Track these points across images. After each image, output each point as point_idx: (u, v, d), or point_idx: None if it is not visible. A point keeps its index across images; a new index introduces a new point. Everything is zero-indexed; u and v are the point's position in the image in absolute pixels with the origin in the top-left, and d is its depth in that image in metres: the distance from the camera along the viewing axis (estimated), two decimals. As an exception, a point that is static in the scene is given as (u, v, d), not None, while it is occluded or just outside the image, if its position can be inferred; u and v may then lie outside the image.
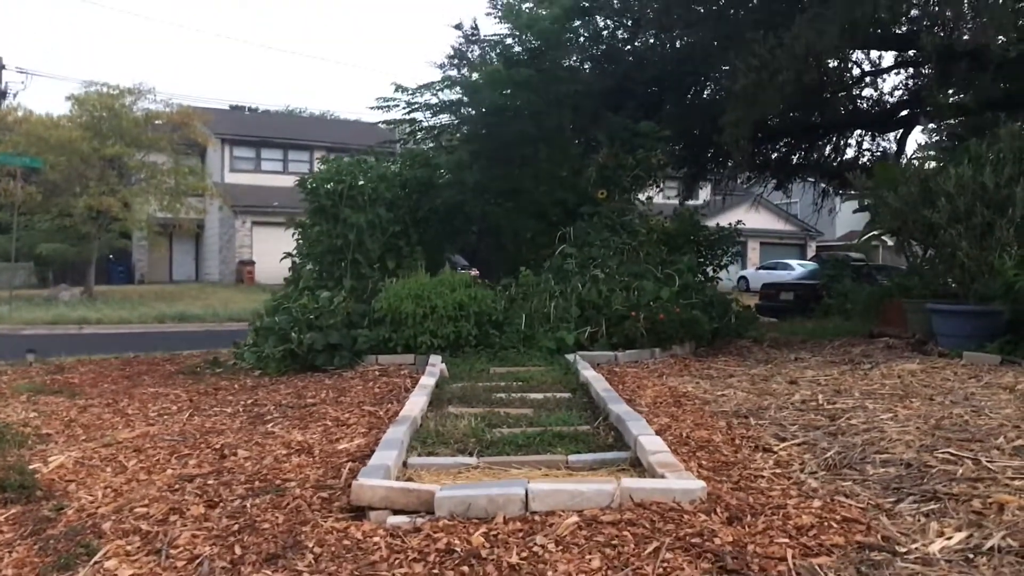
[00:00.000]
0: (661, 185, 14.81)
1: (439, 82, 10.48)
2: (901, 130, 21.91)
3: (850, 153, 22.50)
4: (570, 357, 7.50)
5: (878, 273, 20.45)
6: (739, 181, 22.73)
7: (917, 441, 4.20)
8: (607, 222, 10.18)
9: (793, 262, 40.90)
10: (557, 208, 10.64)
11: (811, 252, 49.63)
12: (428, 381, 6.27)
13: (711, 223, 13.43)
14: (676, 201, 18.75)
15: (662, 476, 3.47)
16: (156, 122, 28.31)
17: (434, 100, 10.56)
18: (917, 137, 22.85)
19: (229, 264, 35.53)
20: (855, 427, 4.67)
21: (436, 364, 7.13)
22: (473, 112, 9.70)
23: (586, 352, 7.79)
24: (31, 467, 4.58)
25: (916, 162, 8.24)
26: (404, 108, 10.93)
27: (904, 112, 20.47)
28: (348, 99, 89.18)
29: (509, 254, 10.72)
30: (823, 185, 25.58)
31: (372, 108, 13.91)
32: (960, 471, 3.62)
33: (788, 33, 8.80)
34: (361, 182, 8.61)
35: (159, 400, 6.69)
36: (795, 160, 21.23)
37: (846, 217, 35.07)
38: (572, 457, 4.13)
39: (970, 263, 7.37)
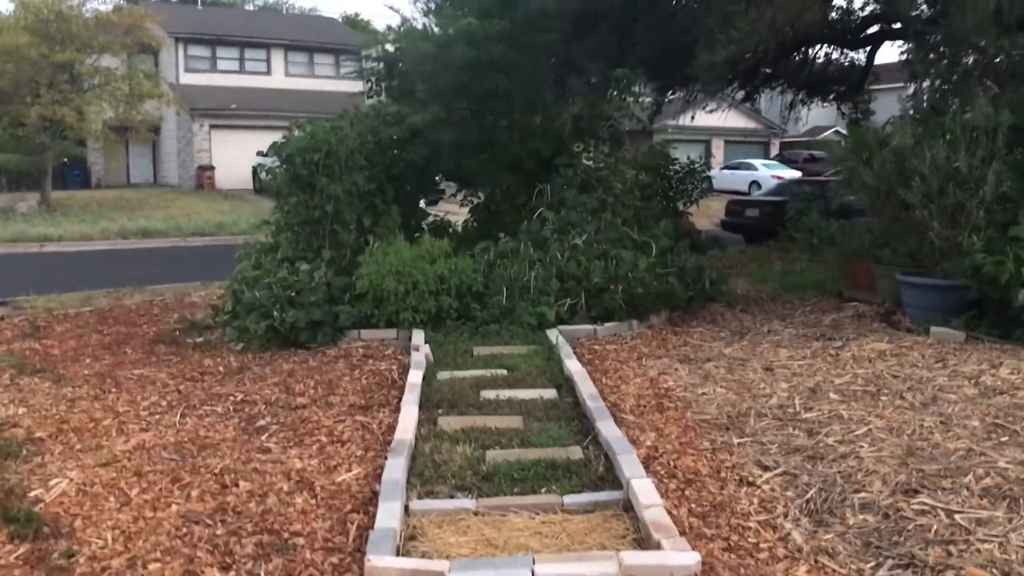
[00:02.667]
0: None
1: (408, 33, 10.25)
2: (870, 46, 21.93)
3: (819, 66, 22.45)
4: (551, 334, 7.65)
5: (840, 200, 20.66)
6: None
7: (892, 476, 4.44)
8: (583, 176, 10.19)
9: (756, 162, 41.09)
10: (532, 159, 10.61)
11: (775, 150, 49.87)
12: (416, 376, 6.39)
13: (676, 122, 13.40)
14: (644, 116, 18.70)
15: (658, 545, 3.66)
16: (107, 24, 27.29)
17: (406, 49, 10.33)
18: (887, 52, 22.85)
19: (188, 169, 34.93)
20: (832, 449, 4.90)
21: (420, 347, 7.24)
22: (446, 67, 9.50)
23: (566, 327, 7.93)
24: (33, 493, 4.69)
25: (890, 131, 8.29)
26: (374, 58, 10.72)
27: (874, 28, 20.43)
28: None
29: (486, 205, 10.74)
30: (791, 95, 25.57)
31: (345, 73, 13.60)
32: (935, 527, 3.86)
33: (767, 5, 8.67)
34: (337, 149, 8.48)
35: (147, 390, 6.75)
36: (763, 72, 21.14)
37: (807, 114, 35.13)
38: (567, 499, 4.32)
39: (940, 242, 7.56)
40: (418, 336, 7.65)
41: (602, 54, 14.76)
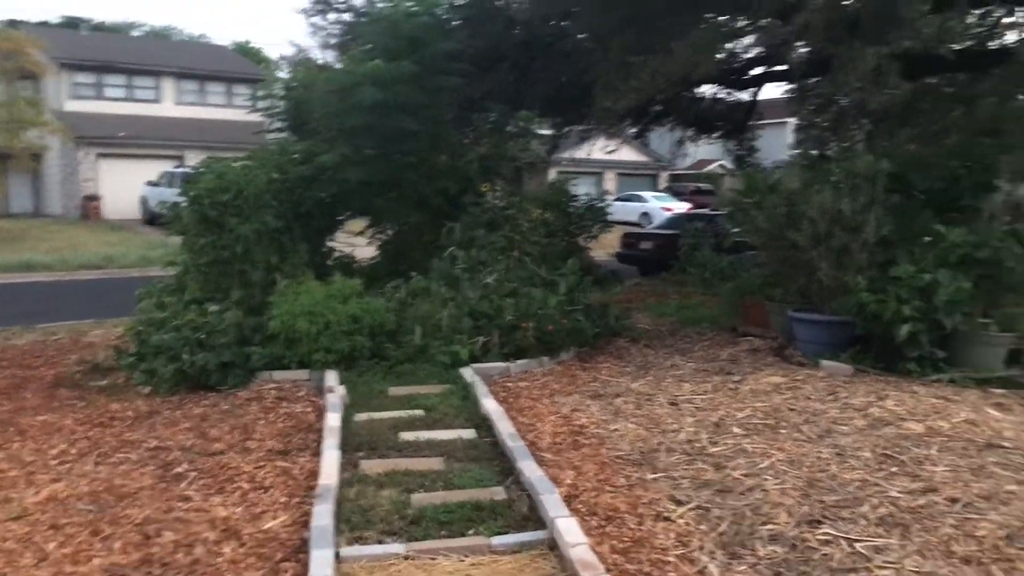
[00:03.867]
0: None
1: (314, 74, 10.35)
2: (754, 87, 23.09)
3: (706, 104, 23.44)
4: (466, 373, 7.80)
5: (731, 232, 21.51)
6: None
7: (797, 507, 4.76)
8: (490, 215, 10.43)
9: (647, 194, 42.33)
10: (439, 197, 10.80)
11: (663, 182, 51.47)
12: (334, 419, 6.44)
13: (571, 155, 13.74)
14: (542, 151, 19.16)
15: (586, 585, 3.85)
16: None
17: (312, 89, 10.41)
18: (769, 90, 24.12)
19: (73, 198, 33.69)
20: (740, 482, 5.21)
21: (335, 388, 7.28)
22: (352, 108, 9.62)
23: (480, 365, 8.09)
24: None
25: (782, 177, 8.82)
26: (279, 96, 10.77)
27: (759, 70, 21.53)
28: (193, 10, 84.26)
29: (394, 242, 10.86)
30: (681, 133, 26.59)
31: (249, 108, 13.61)
32: (838, 555, 4.18)
33: (667, 58, 9.12)
34: (246, 189, 8.48)
35: (54, 437, 6.58)
36: (654, 110, 21.93)
37: (695, 148, 36.44)
38: (495, 541, 4.47)
39: (828, 281, 8.07)
40: (332, 377, 7.68)
41: (502, 93, 15.15)
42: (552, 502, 4.74)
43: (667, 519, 4.75)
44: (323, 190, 9.70)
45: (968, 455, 5.69)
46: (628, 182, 48.70)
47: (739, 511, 4.78)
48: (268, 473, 5.60)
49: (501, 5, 16.19)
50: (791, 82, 23.61)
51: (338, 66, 12.54)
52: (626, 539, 4.50)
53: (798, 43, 8.11)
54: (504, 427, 6.21)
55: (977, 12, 8.31)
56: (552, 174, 27.16)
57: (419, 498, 5.04)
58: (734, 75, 21.63)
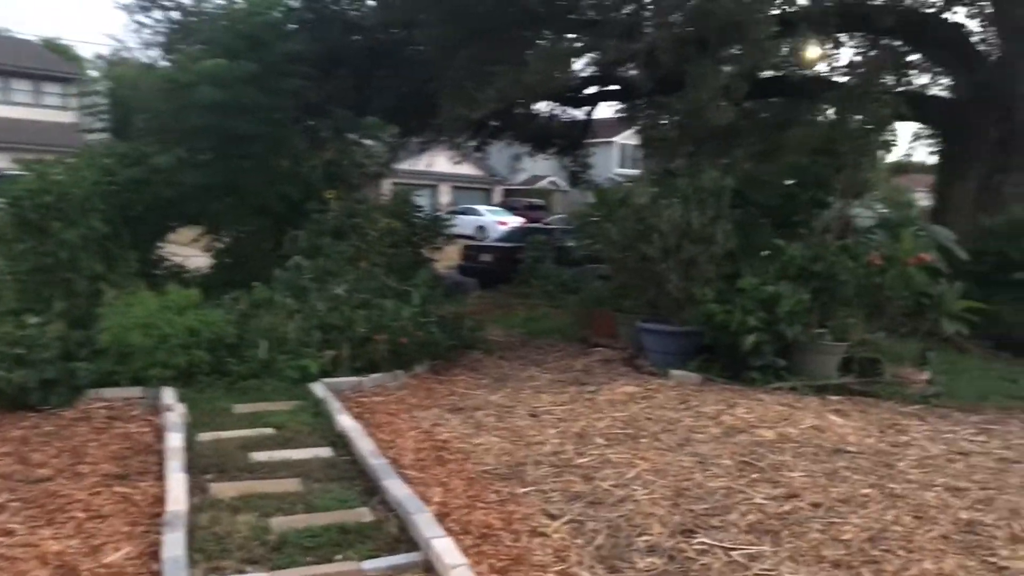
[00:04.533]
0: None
1: (146, 71, 9.68)
2: (589, 105, 23.75)
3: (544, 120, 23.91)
4: (316, 388, 7.43)
5: (570, 242, 21.94)
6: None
7: (669, 517, 4.75)
8: (336, 223, 10.07)
9: (482, 208, 42.63)
10: (281, 204, 10.33)
11: (497, 197, 52.04)
12: (176, 439, 5.93)
13: (406, 166, 13.56)
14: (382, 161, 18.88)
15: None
16: None
17: (142, 87, 9.74)
18: (603, 109, 24.96)
19: None
20: (610, 493, 5.16)
21: (174, 406, 6.74)
22: (189, 108, 9.06)
23: (330, 379, 7.74)
24: None
25: (631, 191, 8.97)
26: (101, 93, 9.99)
27: (593, 89, 22.19)
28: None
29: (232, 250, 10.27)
30: (518, 148, 26.96)
31: (70, 109, 12.58)
32: (716, 565, 4.18)
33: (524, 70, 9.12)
34: (72, 191, 7.77)
35: None
36: (492, 125, 22.11)
37: (528, 163, 37.03)
38: (366, 565, 4.21)
39: (678, 293, 8.26)
40: (169, 394, 7.12)
41: (343, 99, 14.80)
42: (425, 522, 4.52)
43: (543, 534, 4.63)
44: (157, 194, 9.05)
45: (820, 460, 5.91)
46: (462, 195, 48.90)
47: (613, 523, 4.72)
48: (106, 500, 5.07)
49: (337, 11, 15.88)
50: (626, 100, 24.46)
51: (163, 64, 11.86)
52: (504, 557, 4.34)
53: (644, 61, 8.27)
54: (363, 444, 5.92)
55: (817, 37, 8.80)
56: (386, 185, 26.82)
57: (279, 522, 4.69)
58: (571, 93, 22.14)
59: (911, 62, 15.56)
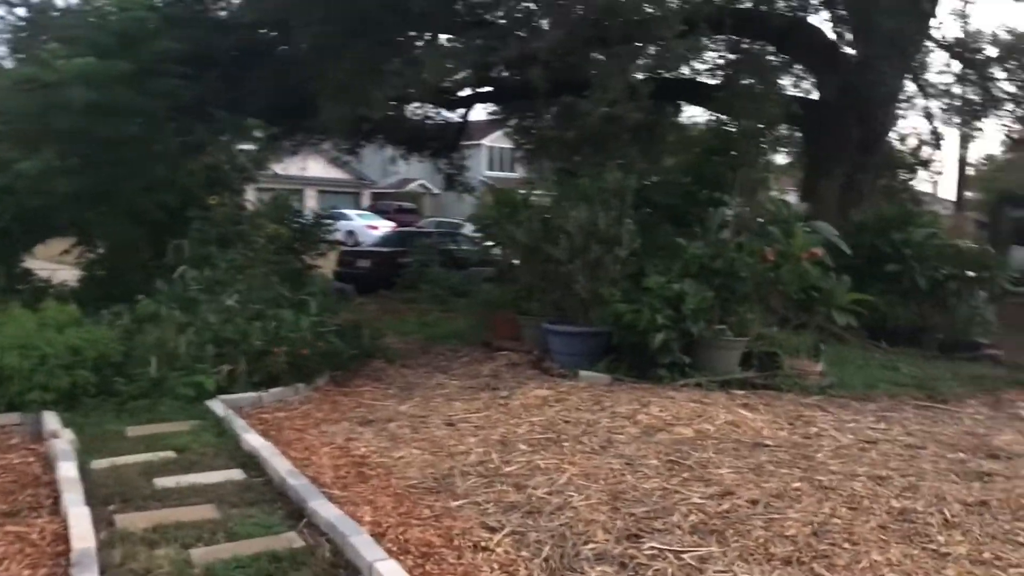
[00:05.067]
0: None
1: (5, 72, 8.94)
2: (465, 107, 23.71)
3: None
4: (215, 406, 7.00)
5: (452, 243, 21.81)
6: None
7: (611, 523, 4.65)
8: (220, 231, 9.57)
9: (351, 212, 41.90)
10: (160, 211, 9.73)
11: (366, 200, 51.28)
12: (69, 468, 5.44)
13: (271, 171, 13.07)
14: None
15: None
16: None
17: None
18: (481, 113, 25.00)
19: None
20: (546, 502, 5.02)
21: (60, 433, 6.19)
22: (56, 110, 8.39)
23: (228, 396, 7.31)
24: None
25: (530, 194, 8.90)
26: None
27: (467, 91, 22.16)
28: None
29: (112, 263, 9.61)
30: (391, 151, 26.64)
31: None
32: (670, 570, 4.10)
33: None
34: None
35: None
36: (366, 127, 21.78)
37: (398, 166, 36.69)
38: (307, 598, 3.93)
39: (585, 294, 8.23)
40: (53, 419, 6.55)
41: (216, 101, 14.17)
42: (364, 544, 4.26)
43: (486, 549, 4.44)
44: (22, 203, 8.34)
45: (742, 455, 5.96)
46: (330, 199, 47.88)
47: (556, 532, 4.59)
48: (-4, 542, 4.58)
49: (200, 10, 15.25)
50: (501, 103, 24.48)
51: (8, 64, 11.03)
52: (448, 574, 4.14)
53: (545, 61, 8.20)
54: (279, 464, 5.58)
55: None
56: (249, 190, 25.97)
57: (202, 554, 4.33)
58: (446, 95, 21.98)
59: (779, 64, 16.18)
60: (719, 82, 16.20)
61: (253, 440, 6.12)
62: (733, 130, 8.90)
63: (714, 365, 8.32)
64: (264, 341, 7.73)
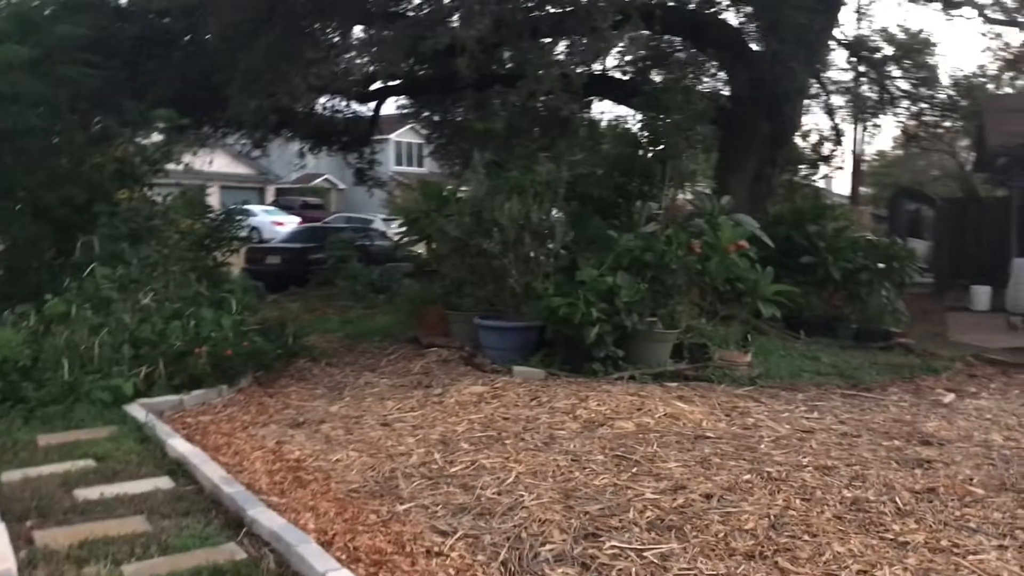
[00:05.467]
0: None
1: None
2: (376, 100, 23.37)
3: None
4: (135, 411, 6.62)
5: (366, 239, 21.45)
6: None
7: (566, 522, 4.54)
8: (132, 227, 9.08)
9: (256, 208, 40.81)
10: (65, 207, 9.18)
11: (270, 196, 50.07)
12: (-23, 483, 5.05)
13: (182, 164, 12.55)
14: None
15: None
16: None
17: None
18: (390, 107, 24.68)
19: None
20: (497, 502, 4.87)
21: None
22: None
23: (147, 400, 6.93)
24: None
25: (459, 188, 8.72)
26: None
27: (378, 85, 21.86)
28: None
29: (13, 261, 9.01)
30: (300, 145, 26.08)
31: None
32: (633, 569, 4.00)
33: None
34: None
35: None
36: (272, 119, 21.31)
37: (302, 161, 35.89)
38: (256, 611, 3.70)
39: (519, 288, 8.10)
40: (-49, 431, 6.09)
41: (121, 90, 13.56)
42: (313, 554, 4.04)
43: (439, 554, 4.27)
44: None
45: (687, 448, 5.94)
46: (233, 195, 46.43)
47: (511, 534, 4.44)
48: (-99, 568, 4.18)
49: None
50: (414, 96, 24.17)
51: None
52: (405, 583, 3.96)
53: (472, 52, 8.02)
54: (210, 471, 5.29)
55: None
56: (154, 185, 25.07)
57: (135, 570, 4.03)
58: (355, 87, 21.59)
59: (690, 59, 16.42)
60: (629, 78, 16.36)
61: (180, 446, 5.80)
62: (661, 124, 8.90)
63: (646, 358, 8.31)
64: (184, 341, 7.36)
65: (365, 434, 6.37)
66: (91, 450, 5.87)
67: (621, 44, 7.84)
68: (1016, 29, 28.73)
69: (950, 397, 8.21)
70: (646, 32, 10.20)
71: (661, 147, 8.84)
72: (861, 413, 7.40)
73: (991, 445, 6.21)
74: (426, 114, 28.90)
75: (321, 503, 4.96)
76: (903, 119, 27.49)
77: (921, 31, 29.27)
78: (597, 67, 14.08)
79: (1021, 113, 18.40)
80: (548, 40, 7.77)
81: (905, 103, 26.72)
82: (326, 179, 51.48)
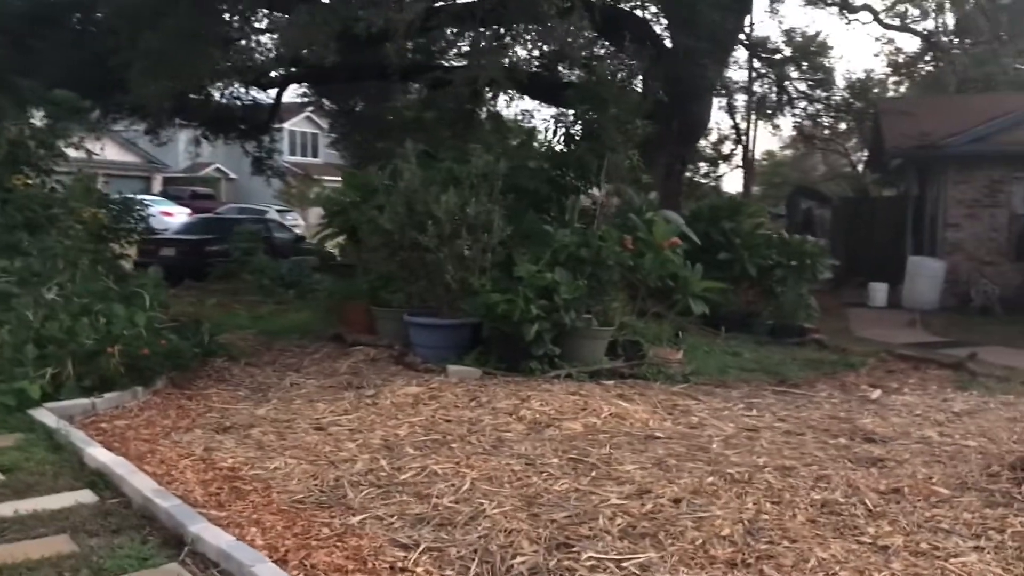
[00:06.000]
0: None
1: None
2: (277, 88, 22.74)
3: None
4: (45, 417, 6.04)
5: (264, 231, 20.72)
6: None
7: (534, 531, 4.30)
8: (29, 215, 8.38)
9: (144, 197, 39.11)
10: (-49, 193, 8.42)
11: (157, 185, 48.09)
12: None
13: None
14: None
15: None
16: None
17: None
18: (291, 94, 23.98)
19: None
20: (456, 511, 4.60)
21: None
22: None
23: (55, 404, 6.36)
24: None
25: (394, 178, 8.35)
26: None
27: (280, 71, 21.26)
28: None
29: None
30: (196, 132, 25.18)
31: None
32: (615, 583, 3.81)
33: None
34: None
35: None
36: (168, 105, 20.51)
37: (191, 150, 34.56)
38: (213, 642, 3.33)
39: (455, 284, 7.81)
40: None
41: (8, 69, 12.70)
42: (268, 573, 3.70)
43: (404, 570, 3.97)
44: None
45: (639, 450, 5.80)
46: (118, 184, 44.39)
47: (477, 546, 4.17)
48: None
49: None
50: (316, 84, 23.55)
51: None
52: (374, 605, 3.66)
53: (404, 35, 7.69)
54: (138, 482, 4.83)
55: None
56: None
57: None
58: (269, 71, 20.92)
59: (611, 55, 16.40)
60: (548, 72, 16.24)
61: (99, 455, 5.30)
62: (598, 117, 8.74)
63: (582, 355, 8.17)
64: (95, 340, 6.79)
65: (300, 439, 5.99)
66: (-3, 461, 5.32)
67: (567, 37, 7.65)
68: (908, 35, 30.11)
69: (877, 393, 8.34)
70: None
71: (598, 140, 8.67)
72: (797, 410, 7.42)
73: (930, 441, 6.27)
74: (326, 103, 28.30)
75: (265, 516, 4.58)
76: (800, 119, 28.39)
77: (819, 33, 30.37)
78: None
79: (915, 116, 19.10)
80: (488, 30, 7.51)
81: (802, 104, 27.61)
82: (216, 168, 49.88)
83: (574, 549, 4.13)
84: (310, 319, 10.55)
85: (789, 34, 26.80)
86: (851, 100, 26.63)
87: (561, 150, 9.19)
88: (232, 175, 49.93)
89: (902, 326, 14.66)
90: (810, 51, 26.55)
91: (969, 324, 14.31)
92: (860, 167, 33.32)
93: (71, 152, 10.23)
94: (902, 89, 32.92)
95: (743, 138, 27.94)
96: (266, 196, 45.85)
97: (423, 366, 7.95)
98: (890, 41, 31.32)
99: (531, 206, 8.64)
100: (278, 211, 39.44)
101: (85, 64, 14.04)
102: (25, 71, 13.43)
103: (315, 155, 53.02)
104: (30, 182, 8.82)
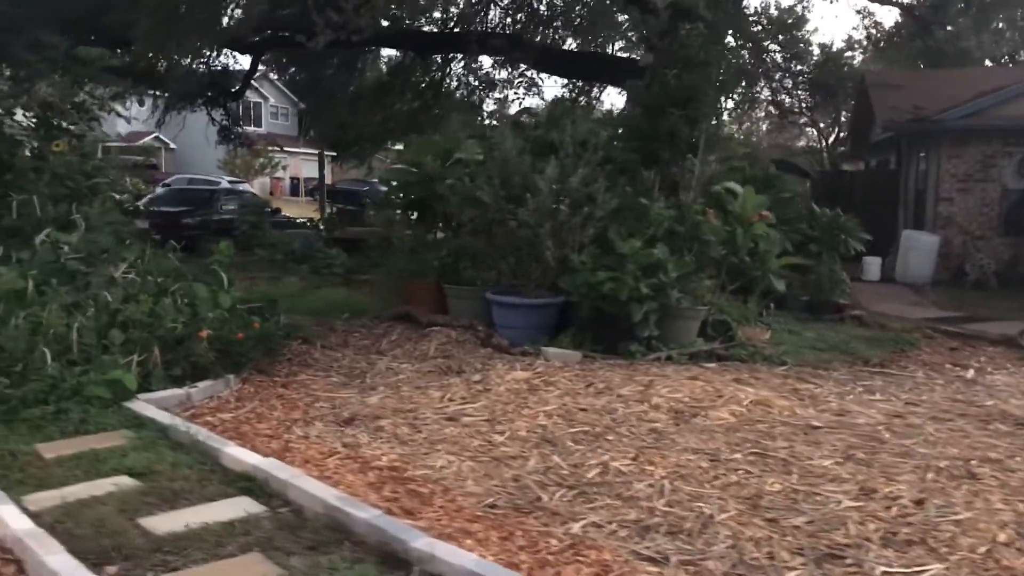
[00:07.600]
0: None
1: None
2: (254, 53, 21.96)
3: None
4: (148, 411, 5.40)
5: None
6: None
7: (783, 540, 3.88)
8: (70, 185, 7.56)
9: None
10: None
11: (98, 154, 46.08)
12: (17, 518, 3.82)
13: None
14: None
15: None
16: None
17: None
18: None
19: None
20: (680, 517, 4.13)
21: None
22: None
23: (148, 395, 5.70)
24: None
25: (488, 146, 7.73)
26: None
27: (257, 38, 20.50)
28: None
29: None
30: (156, 98, 24.25)
31: None
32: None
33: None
34: None
35: None
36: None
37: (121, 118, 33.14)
38: None
39: (554, 262, 7.28)
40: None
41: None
42: (550, 602, 3.19)
43: (671, 587, 3.52)
44: None
45: (814, 442, 5.43)
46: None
47: (732, 559, 3.72)
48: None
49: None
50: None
51: None
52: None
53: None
54: (311, 488, 4.25)
55: None
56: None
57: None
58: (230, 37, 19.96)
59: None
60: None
61: (243, 455, 4.70)
62: (696, 80, 8.21)
63: (677, 336, 7.73)
64: (182, 324, 6.10)
65: (438, 432, 5.45)
66: (119, 463, 4.67)
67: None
68: (888, 8, 30.14)
69: (971, 373, 8.10)
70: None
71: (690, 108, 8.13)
72: (915, 393, 7.09)
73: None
74: (292, 70, 27.37)
75: (467, 524, 4.06)
76: (777, 92, 28.21)
77: (796, 4, 30.27)
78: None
79: (904, 89, 18.99)
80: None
81: (778, 75, 27.43)
82: (156, 138, 48.08)
83: (846, 559, 3.71)
84: (351, 297, 9.89)
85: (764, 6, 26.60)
86: (829, 73, 26.46)
87: (641, 120, 8.60)
88: (172, 145, 48.18)
89: (908, 301, 14.50)
90: (786, 24, 26.33)
91: (971, 298, 14.10)
92: (830, 140, 33.52)
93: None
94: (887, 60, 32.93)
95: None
96: (206, 166, 44.40)
97: (515, 349, 7.42)
98: (870, 15, 31.48)
99: (627, 178, 8.10)
100: (230, 182, 38.26)
101: (76, 25, 13.10)
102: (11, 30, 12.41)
103: (259, 124, 51.74)
104: (64, 150, 7.97)
